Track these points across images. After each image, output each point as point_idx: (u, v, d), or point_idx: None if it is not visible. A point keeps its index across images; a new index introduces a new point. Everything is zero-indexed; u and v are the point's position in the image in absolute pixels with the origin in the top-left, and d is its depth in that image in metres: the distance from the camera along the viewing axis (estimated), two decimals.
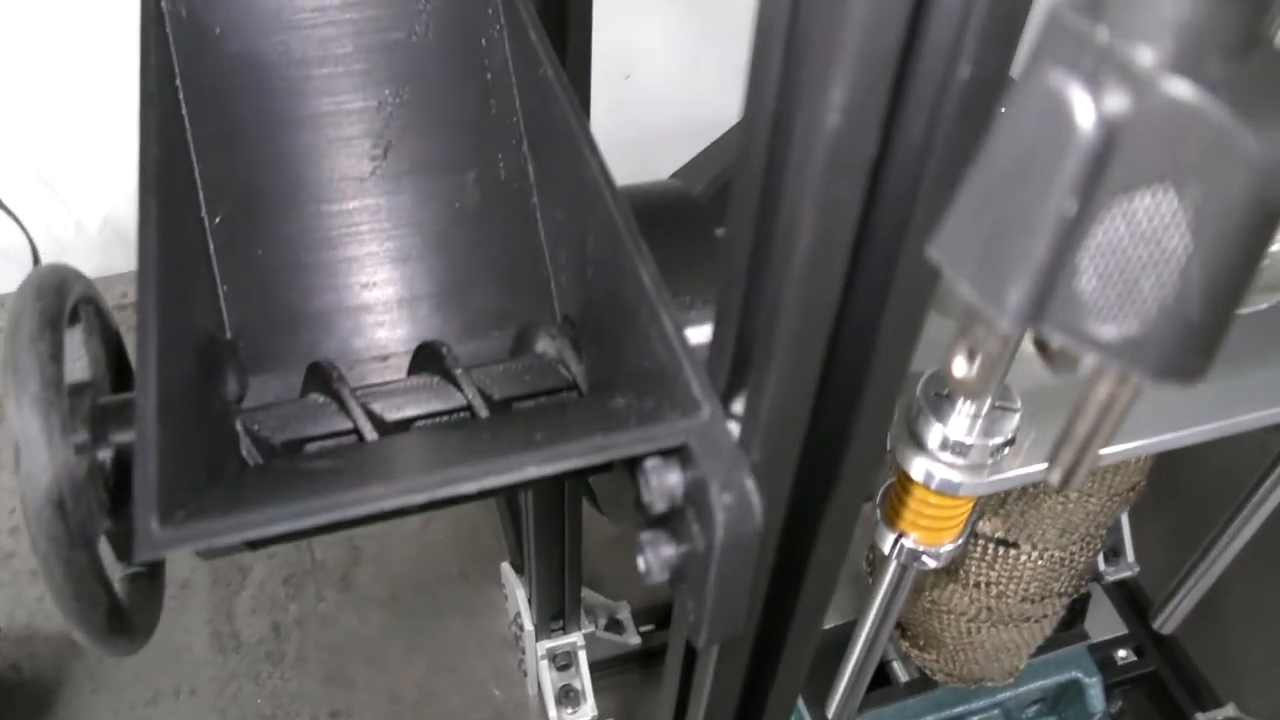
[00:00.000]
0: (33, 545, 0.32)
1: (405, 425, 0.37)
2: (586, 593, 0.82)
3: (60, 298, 0.35)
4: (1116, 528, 0.87)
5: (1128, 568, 0.87)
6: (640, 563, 0.29)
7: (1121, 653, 0.84)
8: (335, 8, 0.41)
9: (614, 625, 0.85)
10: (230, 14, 0.40)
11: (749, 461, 0.24)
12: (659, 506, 0.26)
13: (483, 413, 0.37)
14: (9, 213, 1.20)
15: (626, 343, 0.32)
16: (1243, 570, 0.68)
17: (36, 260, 1.26)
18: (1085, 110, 0.16)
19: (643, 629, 0.86)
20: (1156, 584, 0.90)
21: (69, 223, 1.26)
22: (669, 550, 0.28)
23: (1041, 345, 0.20)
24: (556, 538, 0.69)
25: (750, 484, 0.24)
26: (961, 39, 0.17)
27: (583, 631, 0.80)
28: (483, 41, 0.42)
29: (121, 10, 1.08)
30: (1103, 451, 0.42)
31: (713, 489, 0.24)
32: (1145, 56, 0.15)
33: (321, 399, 0.37)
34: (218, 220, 0.39)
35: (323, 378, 0.37)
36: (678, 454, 0.26)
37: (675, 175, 0.47)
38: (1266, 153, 0.15)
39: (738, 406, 0.27)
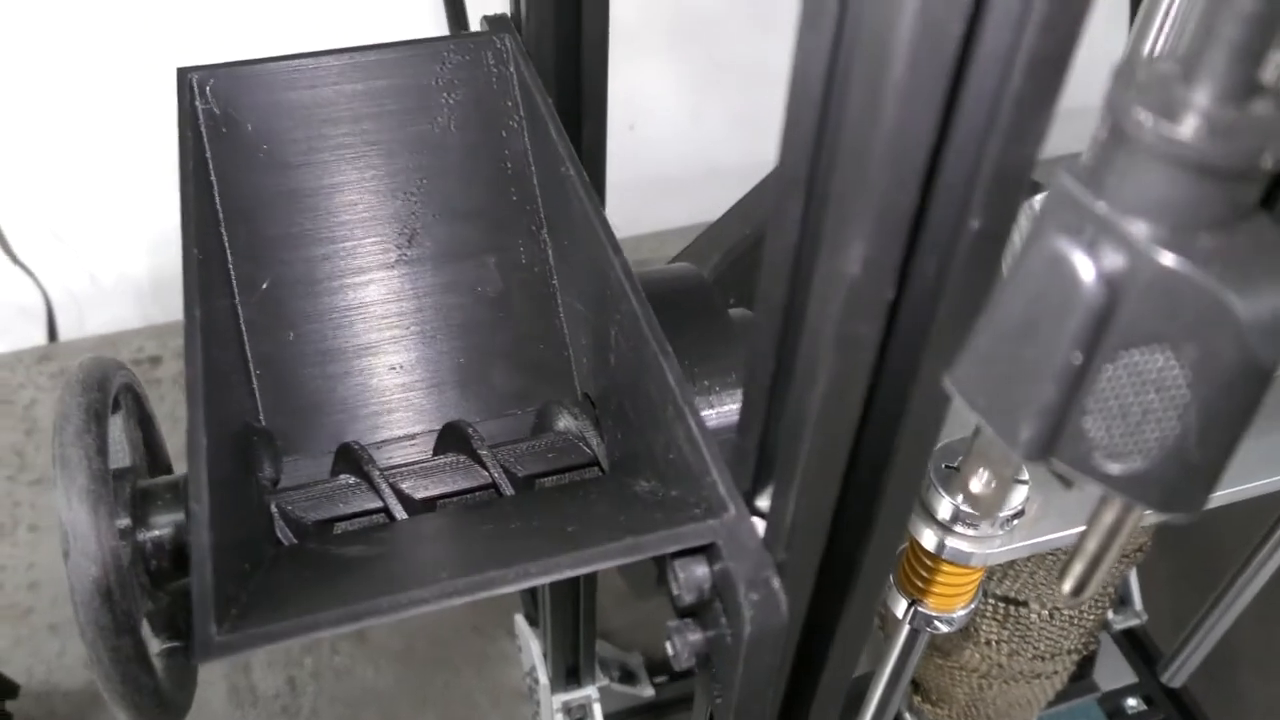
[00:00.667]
0: (81, 633, 0.33)
1: (432, 503, 0.38)
2: (600, 645, 0.82)
3: (104, 391, 0.36)
4: (1123, 577, 0.88)
5: (1135, 616, 0.88)
6: (669, 648, 0.30)
7: (1131, 701, 0.85)
8: (362, 103, 0.42)
9: (627, 676, 0.86)
10: (260, 112, 0.42)
11: (774, 560, 0.26)
12: (687, 599, 0.28)
13: (507, 490, 0.38)
14: (24, 268, 1.22)
15: (650, 432, 0.34)
16: (1252, 618, 0.69)
17: (51, 315, 1.27)
18: (1087, 272, 0.17)
19: (656, 680, 0.87)
20: (1165, 632, 0.91)
21: (83, 277, 1.28)
22: (696, 637, 0.29)
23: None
24: (571, 593, 0.70)
25: (776, 583, 0.25)
26: (971, 194, 0.19)
27: (597, 684, 0.81)
28: (503, 133, 0.44)
29: (136, 71, 1.11)
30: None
31: (740, 588, 0.26)
32: (1140, 229, 0.16)
33: (352, 479, 0.38)
34: (250, 309, 0.41)
35: (353, 459, 0.38)
36: (704, 550, 0.28)
37: (681, 256, 0.49)
38: (1253, 316, 0.16)
39: (762, 502, 0.28)
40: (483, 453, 0.38)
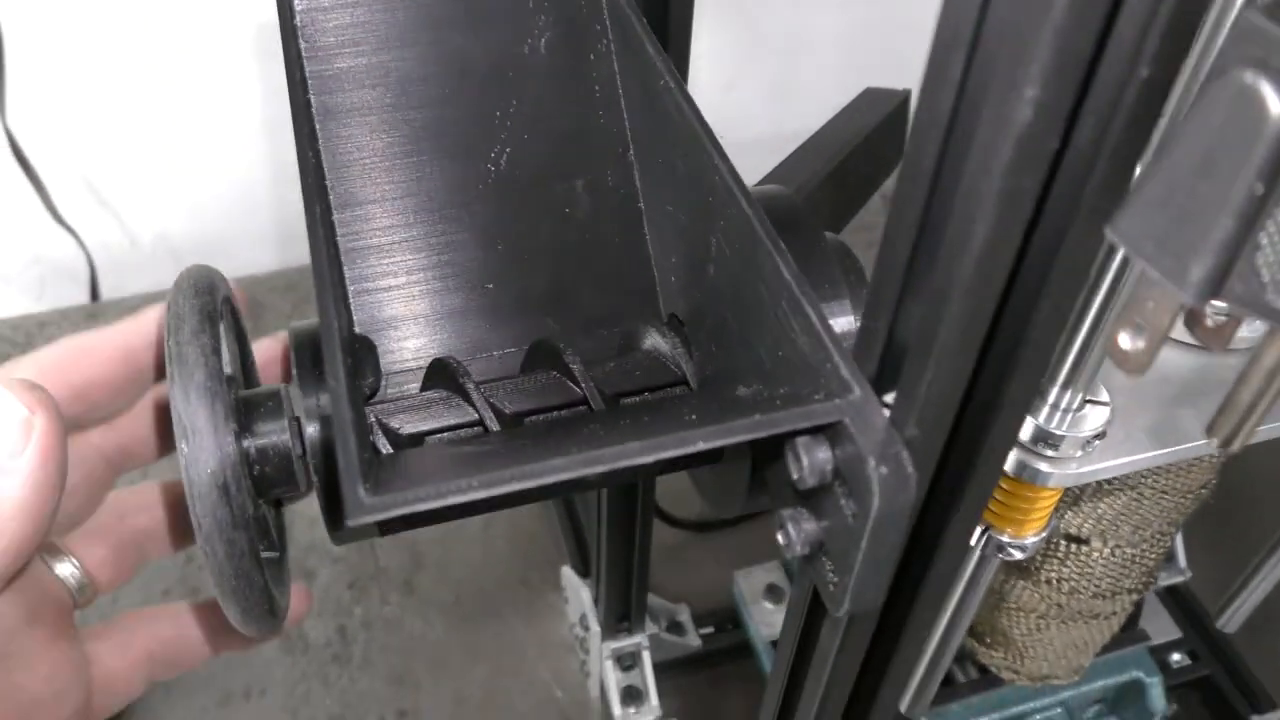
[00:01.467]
0: (196, 528, 0.34)
1: (521, 418, 0.39)
2: (649, 596, 0.83)
3: (214, 296, 0.37)
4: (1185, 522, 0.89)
5: (1180, 573, 0.88)
6: (780, 537, 0.31)
7: (1176, 656, 0.86)
8: (456, 22, 0.43)
9: (674, 628, 0.87)
10: (354, 33, 0.43)
11: (903, 438, 0.26)
12: (810, 482, 0.28)
13: (599, 405, 0.39)
14: (70, 229, 1.23)
15: (754, 337, 0.34)
16: None
17: (94, 277, 1.29)
18: (1276, 103, 0.17)
19: (702, 631, 0.87)
20: (1207, 590, 0.91)
21: (124, 240, 1.29)
22: (810, 525, 0.30)
23: (1193, 322, 0.22)
24: (628, 539, 0.71)
25: (905, 456, 0.26)
26: (1144, 41, 0.19)
27: (647, 633, 0.82)
28: (591, 56, 0.44)
29: (174, 33, 1.11)
30: (1189, 446, 0.43)
31: (870, 462, 0.26)
32: None
33: (444, 393, 0.39)
34: (345, 225, 0.42)
35: (448, 373, 0.39)
36: (826, 433, 0.28)
37: (767, 178, 0.49)
38: None
39: (886, 398, 0.29)
40: (575, 368, 0.39)
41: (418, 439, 0.38)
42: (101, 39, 1.09)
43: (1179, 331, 0.35)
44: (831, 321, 0.38)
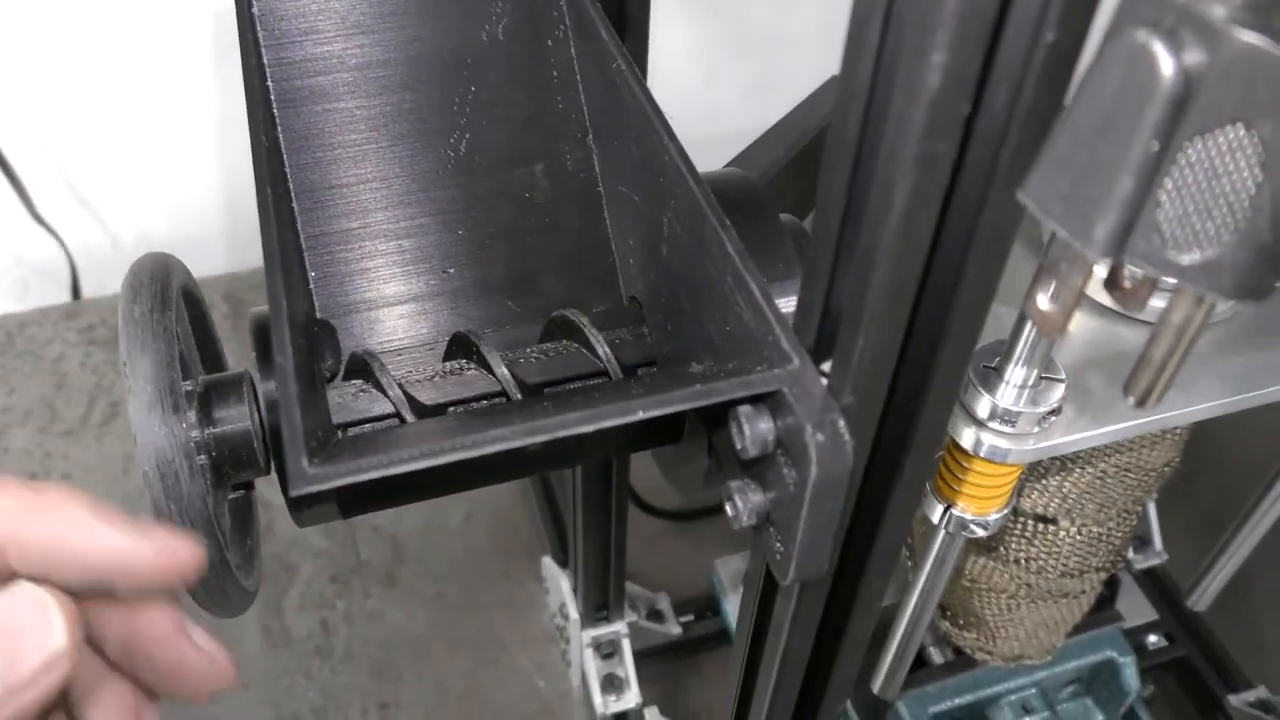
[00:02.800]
0: (154, 508, 0.34)
1: (442, 409, 0.38)
2: (628, 585, 0.84)
3: (167, 283, 0.37)
4: (1144, 518, 0.90)
5: (1156, 556, 0.89)
6: (729, 509, 0.31)
7: (1152, 638, 0.86)
8: (413, 13, 0.43)
9: (654, 616, 0.87)
10: (313, 20, 0.43)
11: (839, 406, 0.27)
12: (752, 451, 0.29)
13: (515, 395, 0.38)
14: (50, 230, 1.23)
15: (704, 314, 0.35)
16: (1271, 556, 0.70)
17: (75, 277, 1.29)
18: (1167, 63, 0.18)
19: (682, 619, 0.88)
20: (1184, 573, 0.92)
21: (105, 240, 1.29)
22: (757, 496, 0.31)
23: (1112, 285, 0.22)
24: (603, 526, 0.71)
25: (841, 424, 0.26)
26: (1048, 8, 0.20)
27: (626, 621, 0.82)
28: (549, 42, 0.45)
29: (154, 34, 1.11)
30: (1146, 418, 0.44)
31: (807, 429, 0.27)
32: (1218, 12, 0.17)
33: (362, 384, 0.38)
34: (305, 208, 0.42)
35: (365, 366, 0.38)
36: (767, 403, 0.29)
37: (732, 163, 0.50)
38: None
39: (824, 367, 0.29)
40: (490, 359, 0.37)
41: (440, 409, 0.37)
42: (82, 41, 1.09)
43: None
44: (786, 299, 0.39)
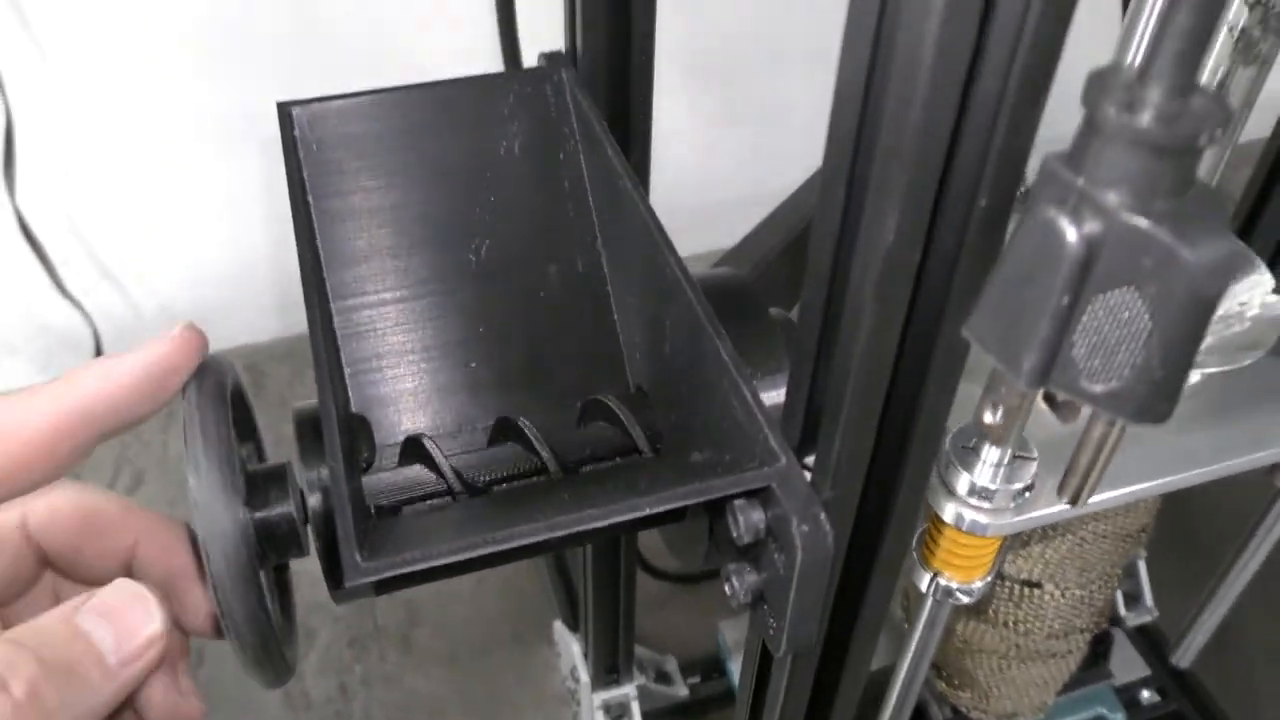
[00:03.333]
0: (210, 588, 0.38)
1: (490, 487, 0.42)
2: (636, 648, 0.87)
3: (224, 385, 0.41)
4: (1135, 574, 0.93)
5: (1147, 612, 0.92)
6: (727, 588, 0.35)
7: (1145, 694, 0.89)
8: (436, 130, 0.48)
9: (662, 678, 0.90)
10: (348, 140, 0.48)
11: (821, 499, 0.31)
12: (746, 539, 0.33)
13: (556, 474, 0.42)
14: (75, 303, 1.28)
15: (704, 408, 0.39)
16: (1262, 611, 0.73)
17: (98, 347, 1.33)
18: (1071, 233, 0.22)
19: (689, 680, 0.91)
20: (1176, 629, 0.94)
21: (127, 311, 1.33)
22: (752, 577, 0.34)
23: (1050, 400, 0.26)
24: (613, 593, 0.74)
25: (823, 516, 0.30)
26: (980, 177, 0.24)
27: (635, 684, 0.85)
28: (561, 155, 0.49)
29: (173, 111, 1.17)
30: (1113, 494, 0.48)
31: (793, 521, 0.30)
32: (1110, 198, 0.22)
33: (418, 466, 0.42)
34: (341, 314, 0.46)
35: (420, 449, 0.42)
36: (759, 496, 0.33)
37: (722, 261, 0.54)
38: (1198, 262, 0.21)
39: (808, 460, 0.33)
40: (534, 440, 0.42)
41: (395, 509, 0.42)
42: (104, 118, 1.15)
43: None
44: (774, 392, 0.43)
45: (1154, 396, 0.23)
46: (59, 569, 0.42)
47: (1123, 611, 0.91)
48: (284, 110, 0.46)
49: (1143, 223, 0.21)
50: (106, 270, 1.29)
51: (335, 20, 1.15)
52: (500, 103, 0.49)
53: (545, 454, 0.41)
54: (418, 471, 0.42)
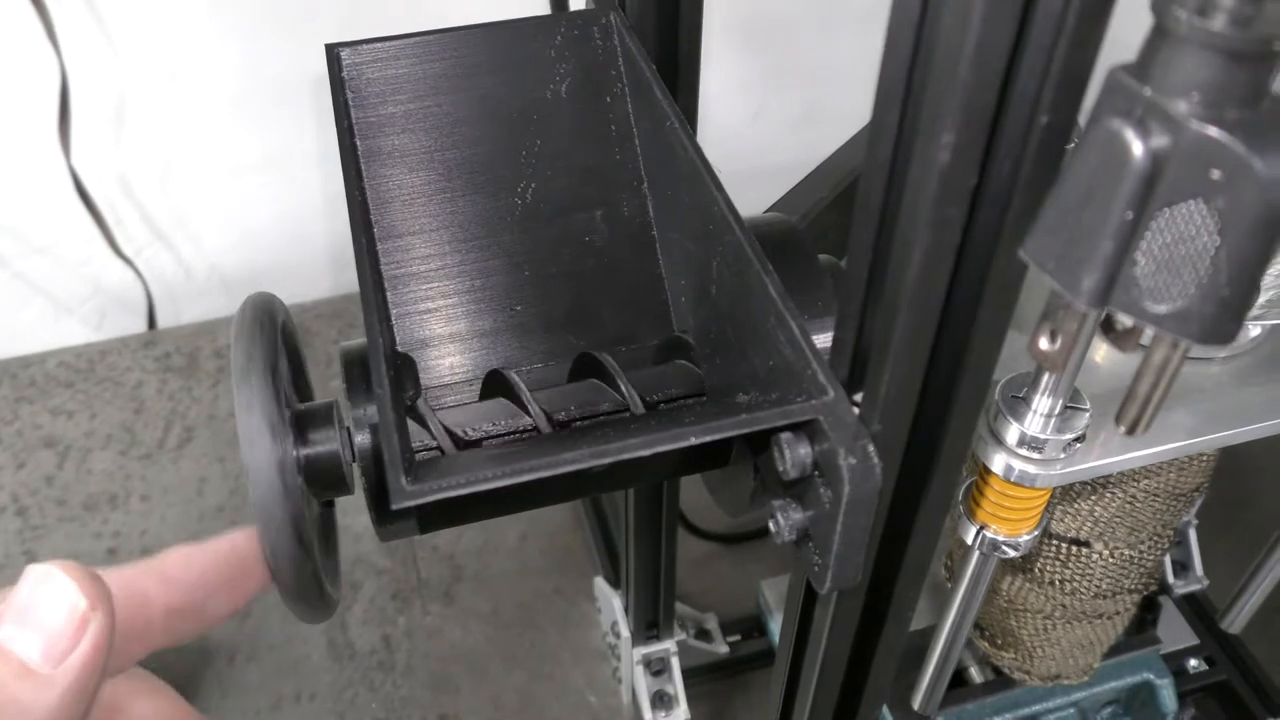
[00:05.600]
0: (258, 522, 0.39)
1: (569, 424, 0.43)
2: (677, 605, 0.87)
3: (274, 321, 0.42)
4: (1185, 542, 0.91)
5: (1196, 581, 0.91)
6: (771, 525, 0.35)
7: (1193, 662, 0.88)
8: (484, 72, 0.48)
9: (703, 635, 0.90)
10: (395, 83, 0.48)
11: (869, 433, 0.30)
12: (792, 474, 0.32)
13: (639, 411, 0.42)
14: (129, 262, 1.30)
15: (750, 349, 0.38)
16: None
17: (151, 307, 1.35)
18: (1137, 145, 0.22)
19: (729, 639, 0.91)
20: (1225, 599, 0.93)
21: (179, 271, 1.35)
22: (797, 514, 0.34)
23: (1107, 330, 0.25)
24: (654, 548, 0.75)
25: (871, 448, 0.30)
26: (1041, 95, 0.23)
27: (675, 639, 0.85)
28: (608, 99, 0.49)
29: (227, 72, 1.18)
30: (1167, 446, 0.47)
31: (841, 453, 0.30)
32: (1180, 107, 0.21)
33: (505, 401, 0.43)
34: (388, 255, 0.46)
35: (504, 382, 0.43)
36: (806, 430, 0.32)
37: (773, 208, 0.53)
38: (1269, 174, 0.21)
39: (856, 397, 0.33)
40: (618, 379, 0.42)
41: (475, 443, 0.42)
42: (158, 79, 1.16)
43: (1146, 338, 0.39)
44: (823, 335, 0.42)
45: (1220, 316, 0.22)
46: None
47: (1171, 579, 0.89)
48: (332, 52, 0.46)
49: (1214, 132, 0.21)
50: (159, 230, 1.31)
51: None
52: (547, 45, 0.48)
53: (629, 393, 0.41)
54: (502, 406, 0.42)
